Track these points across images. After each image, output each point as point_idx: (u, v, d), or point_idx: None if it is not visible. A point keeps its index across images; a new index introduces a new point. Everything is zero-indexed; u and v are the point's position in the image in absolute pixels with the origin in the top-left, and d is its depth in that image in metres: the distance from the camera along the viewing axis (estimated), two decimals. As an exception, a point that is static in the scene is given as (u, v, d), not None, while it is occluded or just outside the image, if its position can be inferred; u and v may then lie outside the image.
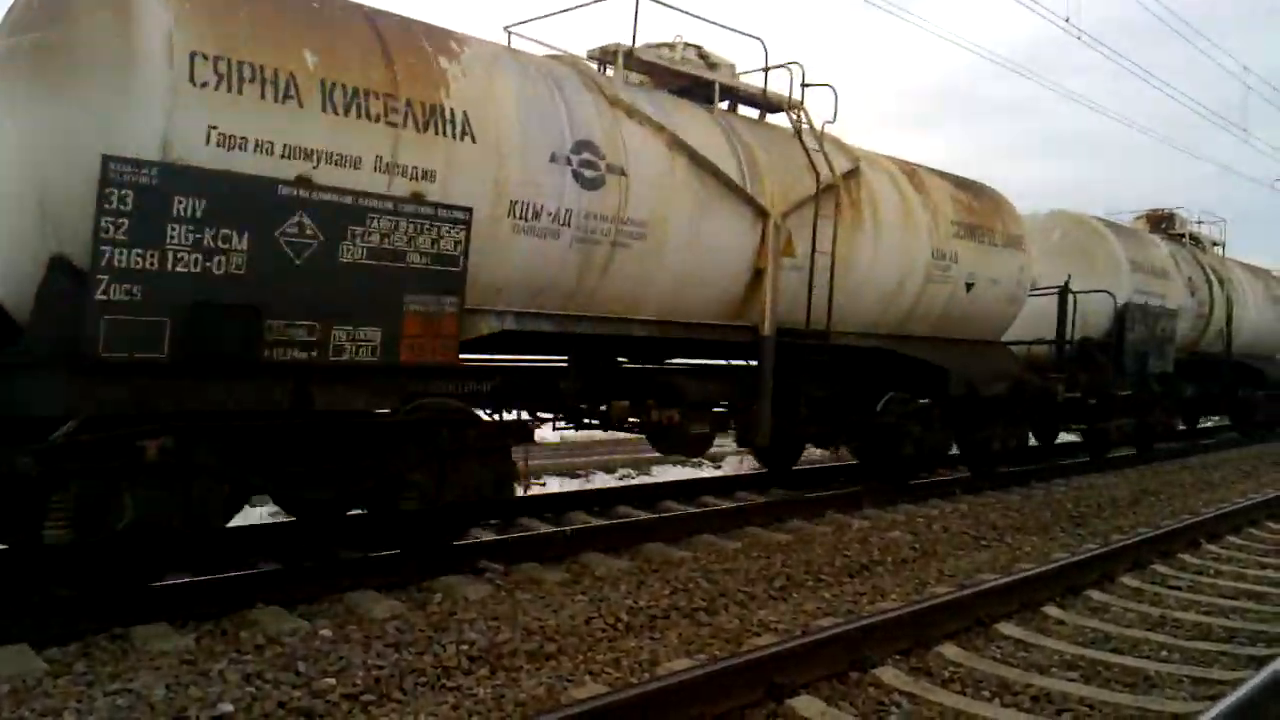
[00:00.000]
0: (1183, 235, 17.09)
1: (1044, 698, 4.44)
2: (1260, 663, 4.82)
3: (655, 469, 12.45)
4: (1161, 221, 17.21)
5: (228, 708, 3.91)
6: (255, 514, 8.65)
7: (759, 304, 8.07)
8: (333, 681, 4.21)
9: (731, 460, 13.50)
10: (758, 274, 8.02)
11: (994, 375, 10.60)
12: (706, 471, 12.59)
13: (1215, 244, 18.39)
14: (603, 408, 7.76)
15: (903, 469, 10.22)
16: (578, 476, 11.77)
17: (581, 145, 6.67)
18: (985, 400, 10.43)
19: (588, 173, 6.67)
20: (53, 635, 4.64)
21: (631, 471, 12.34)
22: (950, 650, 4.98)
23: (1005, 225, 10.99)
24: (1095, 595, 6.27)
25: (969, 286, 10.32)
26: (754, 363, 8.40)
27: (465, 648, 4.67)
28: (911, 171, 10.08)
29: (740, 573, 6.46)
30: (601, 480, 11.54)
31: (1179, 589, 6.61)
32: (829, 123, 8.94)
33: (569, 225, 6.55)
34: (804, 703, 4.14)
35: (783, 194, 8.15)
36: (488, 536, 7.27)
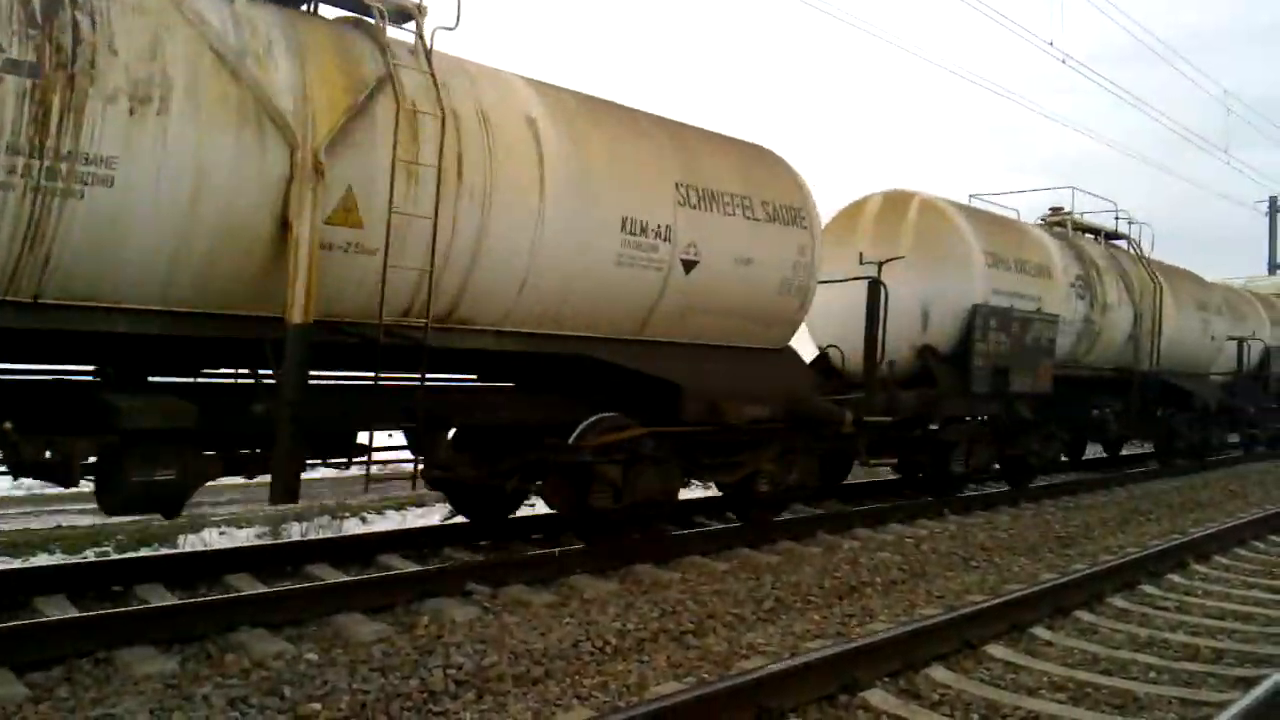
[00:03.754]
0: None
1: (1033, 720, 4.44)
2: (1249, 684, 4.83)
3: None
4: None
5: (211, 733, 3.88)
6: (241, 535, 8.59)
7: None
8: (318, 707, 4.17)
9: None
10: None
11: (1212, 396, 16.50)
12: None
13: None
14: None
15: (1175, 455, 16.42)
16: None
17: (1079, 277, 12.93)
18: (1210, 413, 16.50)
19: (1081, 291, 12.92)
20: (35, 659, 4.59)
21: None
22: (939, 672, 4.97)
23: (1226, 301, 17.59)
24: (1084, 616, 6.28)
25: (1201, 338, 16.41)
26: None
27: (452, 672, 4.64)
28: (1141, 257, 15.66)
29: (729, 594, 6.44)
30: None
31: (1167, 609, 6.63)
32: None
33: (1072, 322, 12.68)
34: (793, 726, 4.13)
35: (1140, 293, 14.46)
36: (474, 558, 7.24)
